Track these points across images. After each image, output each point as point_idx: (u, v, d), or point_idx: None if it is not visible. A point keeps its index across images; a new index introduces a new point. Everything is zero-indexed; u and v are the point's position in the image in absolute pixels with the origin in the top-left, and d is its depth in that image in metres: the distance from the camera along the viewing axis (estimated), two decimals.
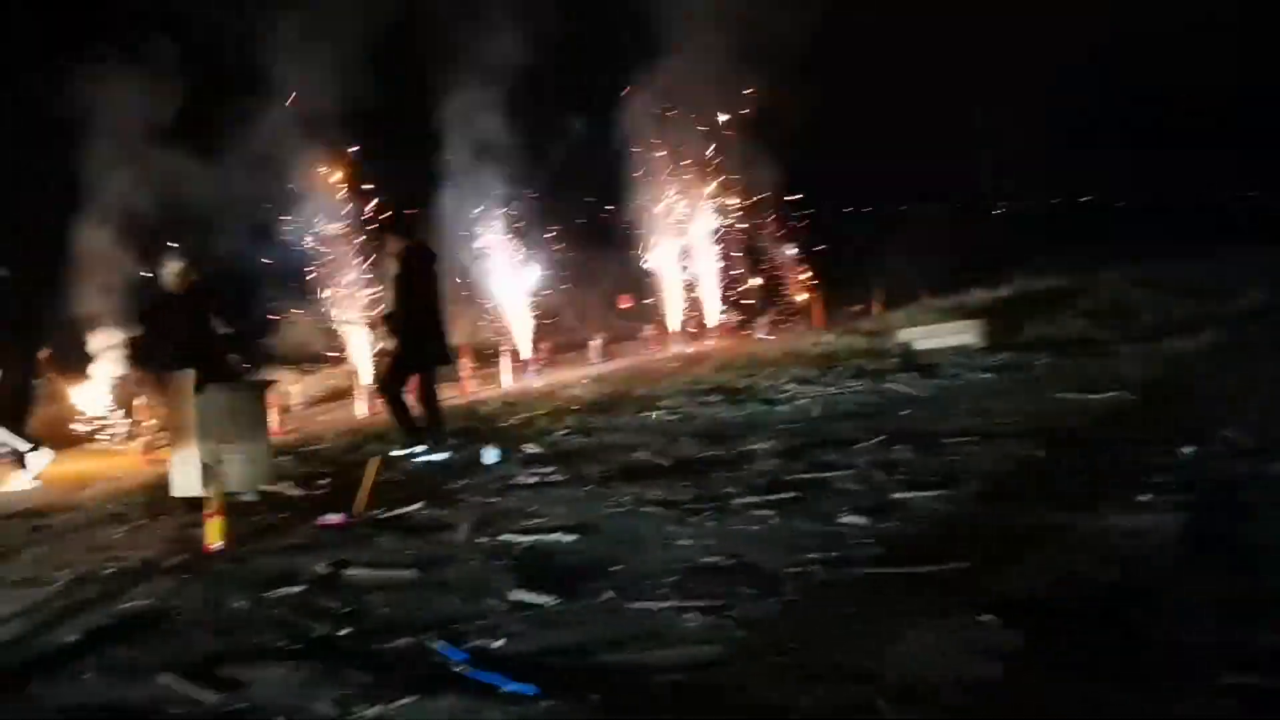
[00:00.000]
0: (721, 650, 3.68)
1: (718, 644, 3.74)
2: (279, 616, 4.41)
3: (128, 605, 4.74)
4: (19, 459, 8.37)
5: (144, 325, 6.94)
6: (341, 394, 12.21)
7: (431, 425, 8.21)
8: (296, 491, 7.15)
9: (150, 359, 6.77)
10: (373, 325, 8.58)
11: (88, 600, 4.89)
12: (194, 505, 6.09)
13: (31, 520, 7.01)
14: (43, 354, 8.56)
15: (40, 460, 8.17)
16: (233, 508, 6.52)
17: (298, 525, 6.09)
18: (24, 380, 8.32)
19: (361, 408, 10.64)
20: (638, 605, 4.17)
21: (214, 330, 6.80)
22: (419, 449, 7.84)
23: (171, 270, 6.90)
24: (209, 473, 5.98)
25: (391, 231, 8.20)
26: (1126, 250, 18.44)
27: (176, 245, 7.97)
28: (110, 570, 5.38)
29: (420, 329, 7.99)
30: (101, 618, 4.60)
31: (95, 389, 11.47)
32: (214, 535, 5.58)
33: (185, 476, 6.04)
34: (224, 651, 4.06)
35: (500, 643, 3.90)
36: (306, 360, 14.89)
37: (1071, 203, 35.18)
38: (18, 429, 8.40)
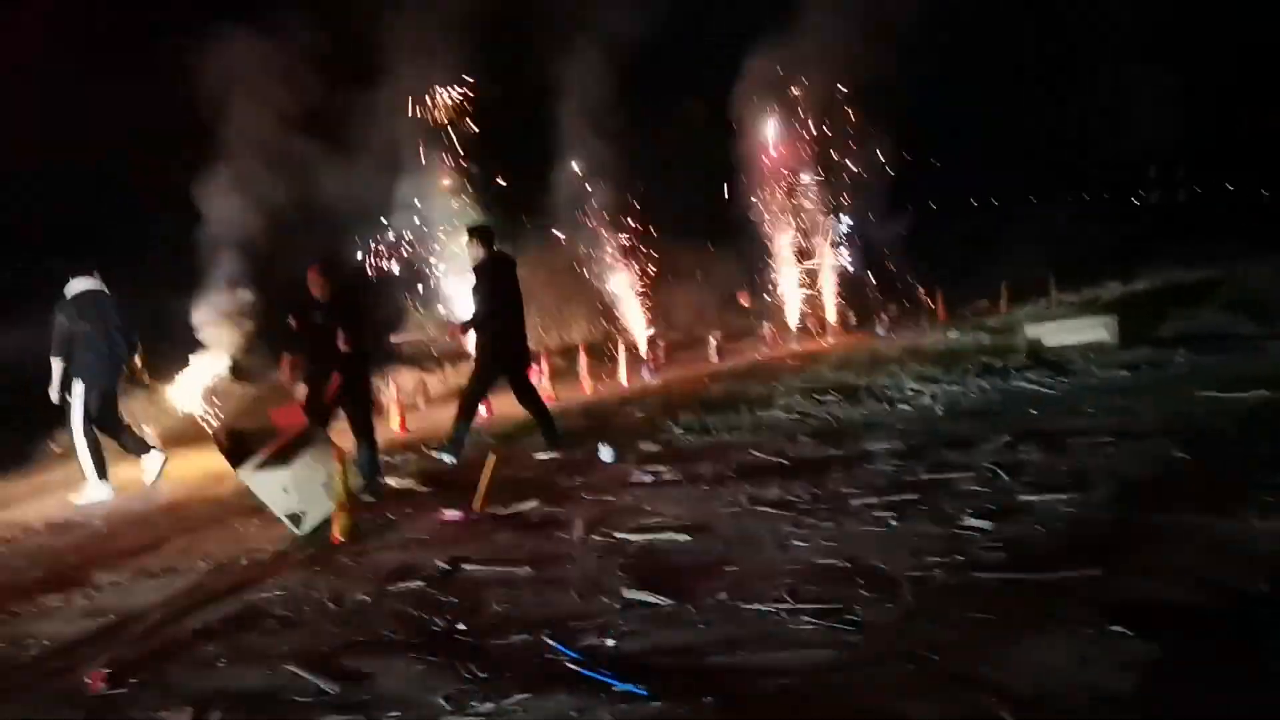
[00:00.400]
0: (837, 654, 3.61)
1: (833, 648, 3.67)
2: (399, 610, 4.52)
3: (260, 595, 4.93)
4: (145, 451, 8.77)
5: (294, 319, 7.13)
6: None
7: (541, 424, 8.34)
8: (419, 488, 7.32)
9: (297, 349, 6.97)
10: (451, 334, 8.63)
11: (223, 589, 5.11)
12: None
13: (175, 513, 7.39)
14: (137, 358, 8.85)
15: (96, 492, 8.34)
16: (360, 501, 6.76)
17: (419, 520, 6.24)
18: (111, 394, 8.60)
19: (482, 406, 10.83)
20: (752, 606, 4.12)
21: (338, 345, 6.96)
22: (448, 457, 8.06)
23: (318, 279, 7.10)
24: (296, 519, 6.22)
25: (474, 241, 8.31)
26: (1272, 240, 17.41)
27: (327, 252, 8.27)
28: (245, 561, 5.61)
29: (500, 336, 8.15)
30: (235, 606, 4.80)
31: (195, 379, 12.06)
32: (341, 530, 5.77)
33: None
34: (347, 643, 4.18)
35: (613, 641, 3.91)
36: (430, 359, 15.29)
37: (1215, 191, 33.45)
38: (135, 439, 8.83)
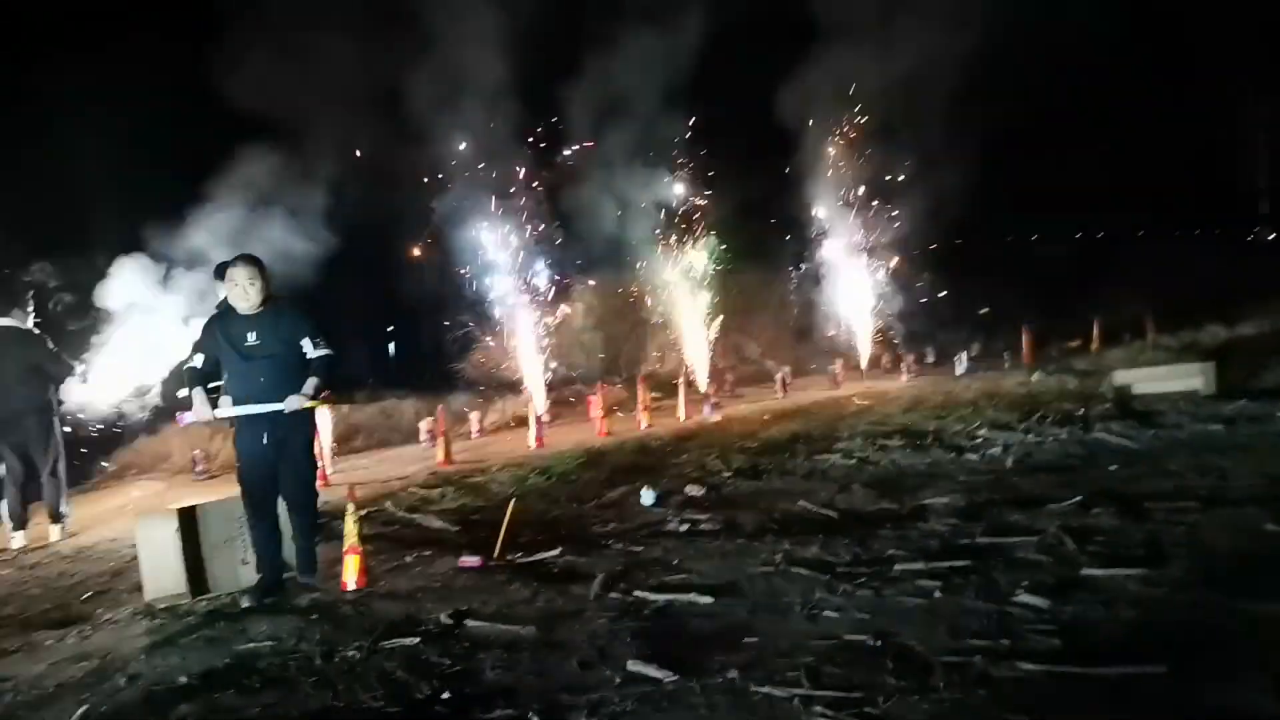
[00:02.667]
0: None
1: None
2: (387, 671, 4.19)
3: (249, 646, 4.64)
4: None
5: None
6: (520, 422, 12.24)
7: None
8: (448, 527, 7.03)
9: None
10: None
11: (215, 637, 4.84)
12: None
13: None
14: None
15: (15, 540, 7.60)
16: (378, 542, 6.49)
17: (438, 563, 5.94)
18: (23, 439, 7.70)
19: (532, 439, 10.57)
20: (763, 689, 3.69)
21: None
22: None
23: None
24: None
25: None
26: None
27: None
28: (246, 604, 5.34)
29: None
30: (222, 657, 4.52)
31: None
32: (350, 574, 5.48)
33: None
34: (322, 708, 3.87)
35: None
36: (490, 386, 15.10)
37: None
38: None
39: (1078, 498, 6.15)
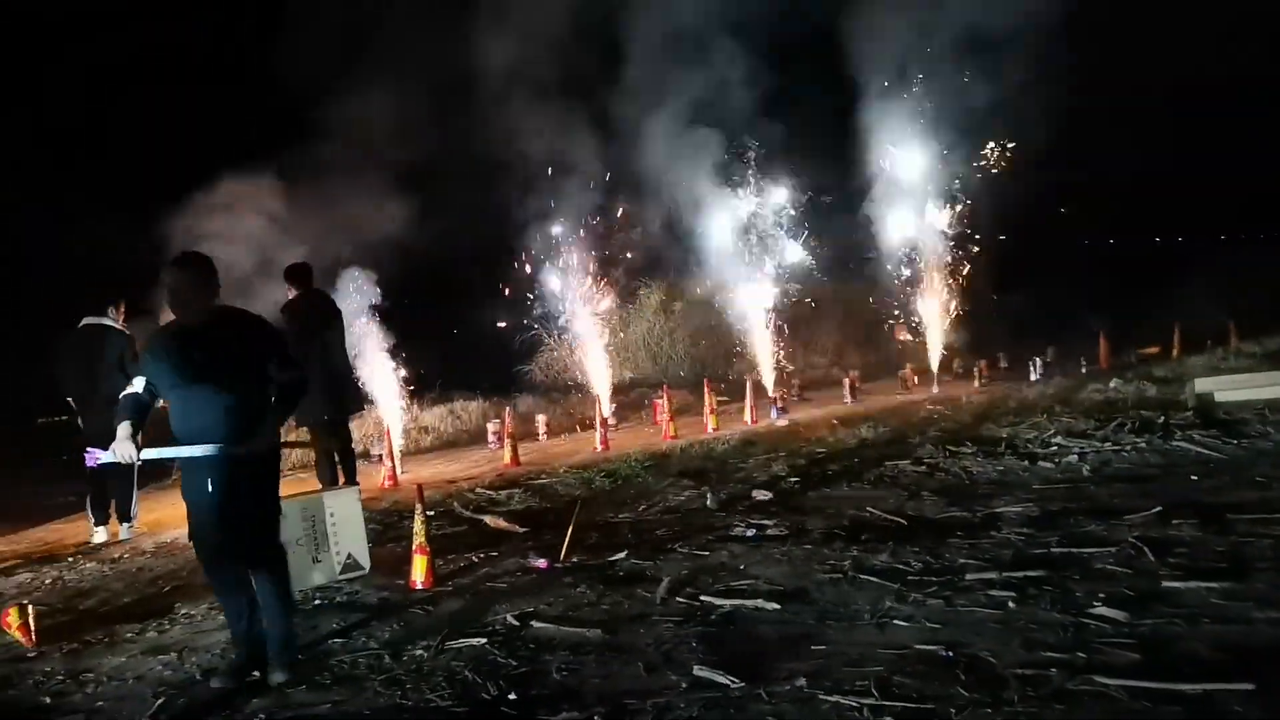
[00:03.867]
0: None
1: None
2: (454, 671, 4.23)
3: (320, 646, 4.73)
4: None
5: None
6: (587, 424, 12.28)
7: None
8: (515, 529, 7.07)
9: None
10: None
11: None
12: None
13: None
14: None
15: (95, 536, 7.95)
16: (446, 541, 6.56)
17: (504, 563, 5.98)
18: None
19: (598, 441, 10.60)
20: (831, 699, 3.64)
21: None
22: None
23: None
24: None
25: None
26: None
27: None
28: (317, 602, 5.44)
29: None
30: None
31: None
32: (418, 573, 5.55)
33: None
34: (389, 706, 3.92)
35: None
36: (558, 388, 15.19)
37: None
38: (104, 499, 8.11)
39: (1157, 508, 5.98)
